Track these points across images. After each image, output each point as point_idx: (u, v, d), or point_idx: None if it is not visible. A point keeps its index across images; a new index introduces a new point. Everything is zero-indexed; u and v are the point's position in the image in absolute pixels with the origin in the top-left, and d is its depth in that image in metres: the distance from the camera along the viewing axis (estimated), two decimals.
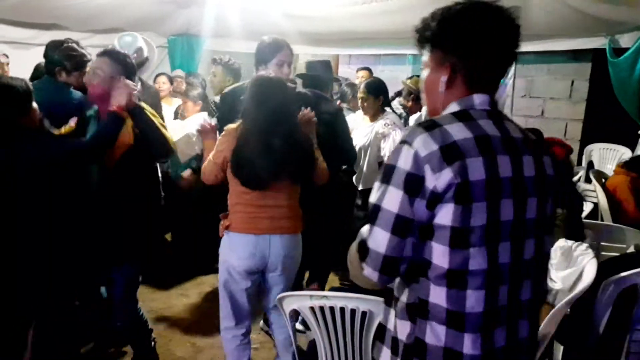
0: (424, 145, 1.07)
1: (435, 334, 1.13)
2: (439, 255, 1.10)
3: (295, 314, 2.03)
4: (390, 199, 1.10)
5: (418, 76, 4.31)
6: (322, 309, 1.89)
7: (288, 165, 2.21)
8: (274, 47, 2.64)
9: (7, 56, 3.70)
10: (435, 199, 1.07)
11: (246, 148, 2.18)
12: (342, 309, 1.87)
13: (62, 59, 2.75)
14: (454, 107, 1.17)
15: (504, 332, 1.15)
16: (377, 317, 1.83)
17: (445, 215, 1.07)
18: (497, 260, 1.11)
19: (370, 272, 1.15)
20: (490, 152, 1.09)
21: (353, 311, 1.86)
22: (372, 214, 1.14)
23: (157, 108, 4.52)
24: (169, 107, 4.85)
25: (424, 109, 5.02)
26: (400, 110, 4.25)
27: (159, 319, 3.42)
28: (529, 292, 1.18)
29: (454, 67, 1.17)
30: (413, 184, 1.07)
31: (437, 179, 1.06)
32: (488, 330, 1.13)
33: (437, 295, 1.12)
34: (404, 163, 1.09)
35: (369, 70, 5.52)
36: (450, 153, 1.06)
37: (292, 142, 2.20)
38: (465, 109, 1.16)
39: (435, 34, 1.18)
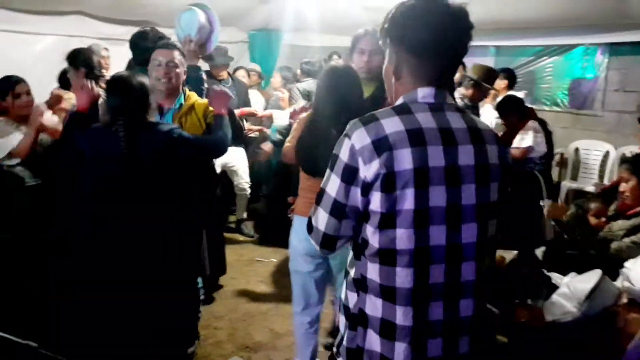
0: (359, 139, 1.20)
1: (374, 306, 1.26)
2: (371, 235, 1.23)
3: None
4: (332, 185, 1.25)
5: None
6: None
7: None
8: (357, 36, 2.65)
9: (107, 49, 3.92)
10: (367, 187, 1.20)
11: (308, 136, 2.27)
12: None
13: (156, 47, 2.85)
14: (399, 101, 1.28)
15: (440, 308, 1.24)
16: None
17: (375, 201, 1.19)
18: (427, 241, 1.20)
19: (314, 245, 1.35)
20: (421, 144, 1.18)
21: None
22: (318, 196, 1.30)
23: (247, 101, 4.70)
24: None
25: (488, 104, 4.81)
26: (463, 101, 4.03)
27: (238, 304, 3.55)
28: (472, 274, 1.25)
29: (400, 60, 1.27)
30: (349, 174, 1.21)
31: (368, 170, 1.18)
32: (421, 304, 1.23)
33: (372, 271, 1.25)
34: (343, 154, 1.22)
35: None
36: (380, 146, 1.17)
37: None
38: (407, 103, 1.26)
39: (387, 27, 1.28)
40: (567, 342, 2.33)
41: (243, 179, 4.79)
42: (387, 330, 1.24)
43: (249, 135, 4.89)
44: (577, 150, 5.57)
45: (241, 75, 5.34)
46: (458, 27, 1.24)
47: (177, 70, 2.56)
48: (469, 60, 6.09)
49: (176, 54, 2.58)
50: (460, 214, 1.22)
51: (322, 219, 1.28)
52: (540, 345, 2.39)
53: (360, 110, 2.27)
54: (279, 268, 4.16)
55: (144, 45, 2.91)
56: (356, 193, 1.21)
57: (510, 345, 2.22)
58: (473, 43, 1.29)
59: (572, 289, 2.40)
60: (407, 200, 1.17)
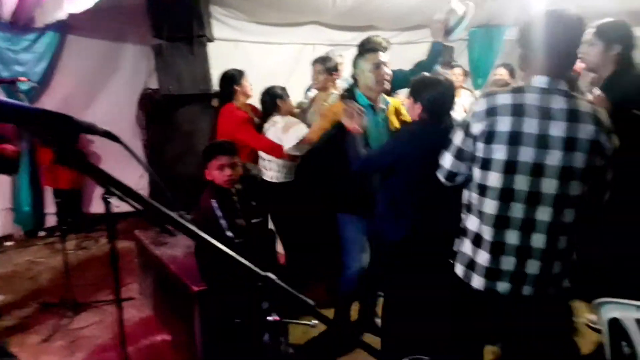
0: (479, 105, 1.70)
1: (471, 222, 1.78)
2: (475, 173, 1.73)
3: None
4: (457, 136, 1.78)
5: None
6: None
7: None
8: None
9: (342, 56, 4.14)
10: (475, 139, 1.69)
11: None
12: None
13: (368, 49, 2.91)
14: (522, 84, 1.71)
15: (516, 235, 1.67)
16: None
17: (479, 149, 1.69)
18: (512, 185, 1.64)
19: (441, 178, 1.88)
20: (520, 114, 1.62)
21: None
22: (447, 145, 1.83)
23: None
24: (456, 98, 5.04)
25: None
26: None
27: None
28: (548, 217, 1.63)
29: (524, 57, 1.71)
30: (466, 128, 1.72)
31: (477, 127, 1.68)
32: (500, 227, 1.68)
33: (473, 199, 1.76)
34: (468, 115, 1.75)
35: None
36: (490, 112, 1.66)
37: None
38: (524, 86, 1.68)
39: (517, 33, 1.74)
40: None
41: None
42: (477, 240, 1.75)
43: None
44: None
45: (458, 72, 5.27)
46: (570, 34, 1.64)
47: (389, 70, 2.66)
48: None
49: (386, 55, 2.66)
50: (543, 170, 1.61)
51: (447, 159, 1.82)
52: None
53: None
54: None
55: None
56: (469, 141, 1.72)
57: None
58: None
59: None
60: (501, 152, 1.64)
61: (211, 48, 4.33)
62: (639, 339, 1.73)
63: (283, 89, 3.45)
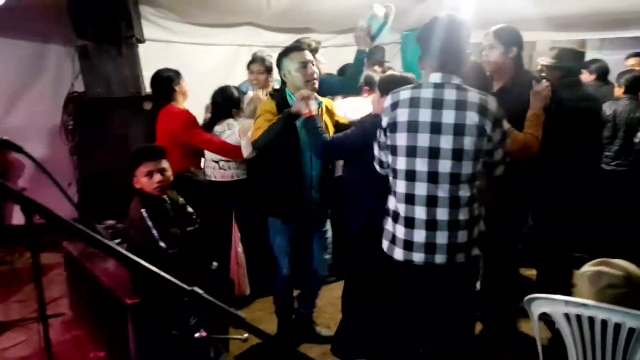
0: (387, 102, 2.02)
1: (391, 202, 2.06)
2: (389, 159, 2.04)
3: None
4: (378, 130, 2.10)
5: None
6: (579, 317, 1.75)
7: None
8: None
9: (270, 56, 4.14)
10: (384, 130, 2.02)
11: None
12: (604, 322, 1.69)
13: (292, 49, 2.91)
14: (420, 82, 2.04)
15: (423, 211, 1.93)
16: None
17: (389, 138, 2.01)
18: (414, 167, 1.93)
19: (376, 166, 2.17)
20: (416, 106, 1.92)
21: (617, 326, 1.67)
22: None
23: None
24: None
25: None
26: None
27: None
28: (446, 193, 1.91)
29: (421, 57, 2.03)
30: (379, 123, 2.06)
31: (385, 120, 2.01)
32: (410, 204, 1.96)
33: (391, 181, 2.06)
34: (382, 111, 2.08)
35: None
36: (393, 106, 1.98)
37: None
38: (422, 82, 2.00)
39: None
40: None
41: None
42: (395, 216, 2.02)
43: None
44: None
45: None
46: (458, 36, 1.94)
47: (317, 69, 2.64)
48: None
49: (310, 54, 2.65)
50: (438, 152, 1.89)
51: (375, 149, 2.13)
52: None
53: None
54: None
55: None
56: (382, 133, 2.04)
57: None
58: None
59: None
60: (402, 139, 1.94)
61: (141, 49, 4.17)
62: (568, 333, 1.80)
63: (239, 91, 3.41)
